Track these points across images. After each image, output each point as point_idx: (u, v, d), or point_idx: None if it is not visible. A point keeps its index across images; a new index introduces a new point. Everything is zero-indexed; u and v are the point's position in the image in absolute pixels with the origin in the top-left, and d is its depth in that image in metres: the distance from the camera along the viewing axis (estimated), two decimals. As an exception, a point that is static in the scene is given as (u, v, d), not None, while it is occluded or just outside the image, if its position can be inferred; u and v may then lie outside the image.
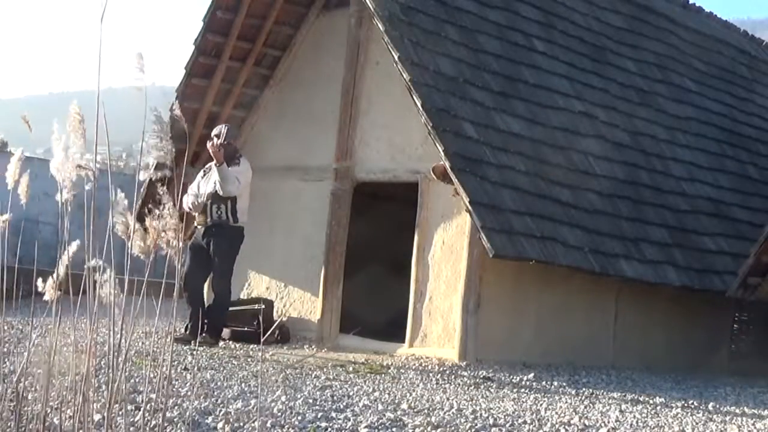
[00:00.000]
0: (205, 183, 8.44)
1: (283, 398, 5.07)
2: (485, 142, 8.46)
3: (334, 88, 9.69)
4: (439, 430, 4.64)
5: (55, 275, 3.17)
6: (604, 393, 7.06)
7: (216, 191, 8.28)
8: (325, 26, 10.30)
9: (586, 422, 5.32)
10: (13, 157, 3.39)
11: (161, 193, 3.06)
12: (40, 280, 3.20)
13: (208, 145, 8.38)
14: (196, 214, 8.45)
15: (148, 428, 3.44)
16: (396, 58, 8.32)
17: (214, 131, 8.58)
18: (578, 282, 8.93)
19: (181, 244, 3.15)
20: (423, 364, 7.81)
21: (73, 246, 3.15)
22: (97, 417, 3.36)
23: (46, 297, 3.21)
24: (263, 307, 9.33)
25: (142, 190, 8.95)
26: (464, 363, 7.91)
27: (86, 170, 3.16)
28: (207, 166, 8.64)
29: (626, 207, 9.63)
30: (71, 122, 3.08)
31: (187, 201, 8.32)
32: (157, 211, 3.05)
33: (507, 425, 4.95)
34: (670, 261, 9.60)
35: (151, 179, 3.11)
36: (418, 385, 6.63)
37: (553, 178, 8.88)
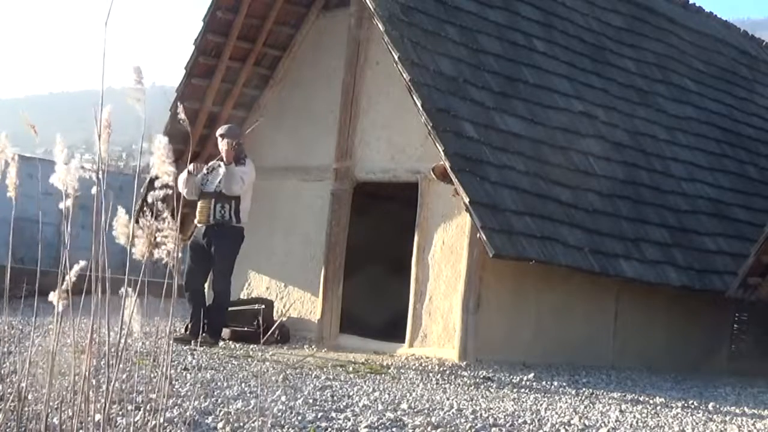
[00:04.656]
0: (209, 182, 8.42)
1: (283, 398, 5.07)
2: (485, 142, 8.46)
3: (334, 88, 9.69)
4: (439, 430, 4.64)
5: (63, 284, 3.17)
6: (604, 393, 7.06)
7: (221, 190, 8.28)
8: (325, 26, 10.30)
9: (586, 422, 5.32)
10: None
11: (161, 209, 3.08)
12: (52, 293, 3.20)
13: (222, 143, 8.36)
14: (198, 213, 8.44)
15: (148, 428, 3.44)
16: (396, 58, 8.32)
17: (219, 131, 8.58)
18: (578, 282, 8.93)
19: (179, 254, 3.16)
20: (423, 364, 7.81)
21: (80, 264, 3.16)
22: (97, 417, 3.36)
23: (58, 309, 3.21)
24: (263, 307, 9.34)
25: (141, 190, 8.93)
26: (464, 363, 7.91)
27: (89, 172, 3.16)
28: (209, 164, 8.61)
29: (626, 207, 9.63)
30: (103, 128, 3.09)
31: (181, 179, 8.03)
32: (156, 224, 3.07)
33: (507, 425, 4.95)
34: (670, 261, 9.60)
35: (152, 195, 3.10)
36: (418, 385, 6.63)
37: (553, 178, 8.88)
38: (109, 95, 3.20)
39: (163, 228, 3.08)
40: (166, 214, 3.08)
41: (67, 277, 3.16)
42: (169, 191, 3.05)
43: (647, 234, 9.62)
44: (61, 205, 3.21)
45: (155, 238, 3.08)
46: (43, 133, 3.65)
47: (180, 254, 3.21)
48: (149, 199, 3.04)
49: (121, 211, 3.08)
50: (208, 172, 8.52)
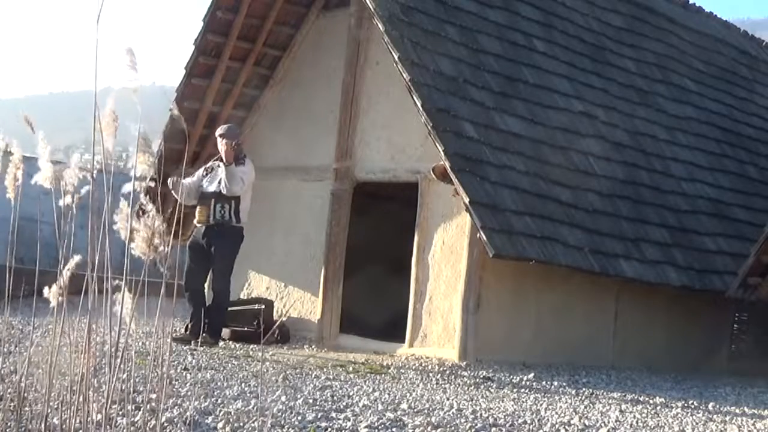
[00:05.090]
0: (209, 182, 8.42)
1: (283, 398, 5.07)
2: (485, 142, 8.46)
3: (334, 88, 9.70)
4: (439, 430, 4.64)
5: (59, 281, 3.17)
6: (604, 393, 7.06)
7: (220, 191, 8.28)
8: (325, 26, 10.30)
9: (586, 422, 5.32)
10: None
11: (144, 203, 3.06)
12: (46, 288, 3.20)
13: (222, 143, 8.35)
14: (197, 214, 8.44)
15: (148, 428, 3.44)
16: (396, 58, 8.32)
17: (219, 131, 8.57)
18: (578, 282, 8.93)
19: (168, 248, 3.14)
20: (423, 364, 7.81)
21: (75, 259, 3.16)
22: (97, 417, 3.36)
23: (52, 303, 3.21)
24: (263, 307, 9.34)
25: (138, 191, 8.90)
26: (464, 363, 7.91)
27: (86, 171, 3.16)
28: (209, 165, 8.61)
29: (626, 207, 9.63)
30: (105, 122, 3.08)
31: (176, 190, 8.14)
32: (144, 220, 3.04)
33: (507, 425, 4.95)
34: (670, 261, 9.60)
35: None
36: (418, 385, 6.63)
37: (553, 178, 8.88)
38: (109, 94, 3.20)
39: (151, 224, 3.06)
40: (150, 207, 3.05)
41: (63, 272, 3.16)
42: (151, 183, 3.02)
43: (647, 234, 9.61)
44: (59, 203, 3.21)
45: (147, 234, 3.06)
46: (44, 133, 3.64)
47: (169, 249, 3.18)
48: (122, 191, 3.01)
49: (123, 203, 3.06)
50: (207, 173, 8.52)
